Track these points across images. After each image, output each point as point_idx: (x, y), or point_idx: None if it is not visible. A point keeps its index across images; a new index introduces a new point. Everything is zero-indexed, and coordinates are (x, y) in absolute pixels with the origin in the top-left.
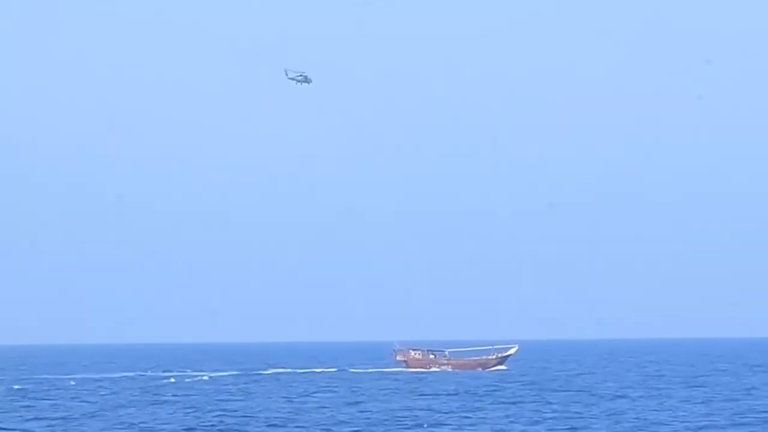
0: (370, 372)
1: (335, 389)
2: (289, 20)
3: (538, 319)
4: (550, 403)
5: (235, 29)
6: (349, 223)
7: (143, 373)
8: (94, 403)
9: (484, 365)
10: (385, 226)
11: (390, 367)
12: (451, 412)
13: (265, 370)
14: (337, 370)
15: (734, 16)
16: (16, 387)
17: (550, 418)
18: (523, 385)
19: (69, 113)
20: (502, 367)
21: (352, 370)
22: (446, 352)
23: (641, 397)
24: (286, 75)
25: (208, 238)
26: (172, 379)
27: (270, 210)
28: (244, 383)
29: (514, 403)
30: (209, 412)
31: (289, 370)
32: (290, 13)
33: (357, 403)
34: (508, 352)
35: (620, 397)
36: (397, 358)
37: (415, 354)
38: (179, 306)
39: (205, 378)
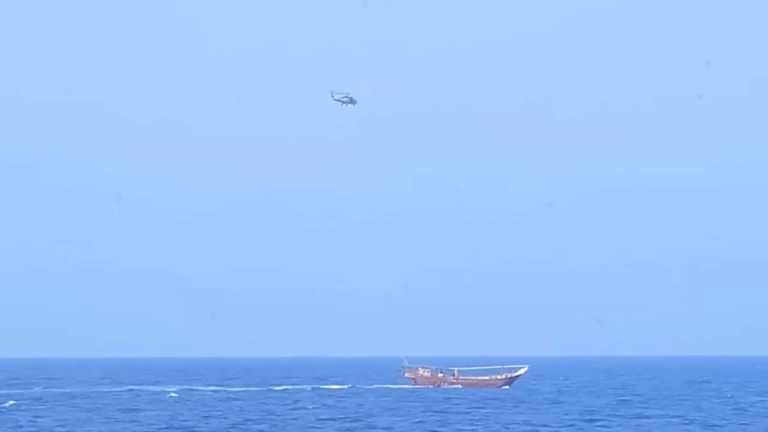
0: (369, 388)
1: (310, 407)
2: (289, 20)
3: (547, 335)
4: (514, 423)
5: (234, 30)
6: (354, 233)
7: (132, 388)
8: (61, 420)
9: (492, 385)
10: (389, 235)
11: (397, 384)
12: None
13: (262, 386)
14: (339, 388)
15: (734, 16)
16: (8, 404)
17: None
18: (505, 404)
19: (70, 115)
20: (505, 387)
21: (358, 386)
22: (455, 371)
23: (617, 415)
24: (332, 97)
25: (211, 247)
26: (173, 394)
27: (278, 218)
28: (228, 399)
29: (482, 423)
30: (159, 430)
31: (290, 387)
32: (289, 13)
33: (324, 420)
34: (518, 373)
35: (596, 420)
36: (406, 375)
37: (423, 372)
38: (187, 318)
39: (209, 392)
